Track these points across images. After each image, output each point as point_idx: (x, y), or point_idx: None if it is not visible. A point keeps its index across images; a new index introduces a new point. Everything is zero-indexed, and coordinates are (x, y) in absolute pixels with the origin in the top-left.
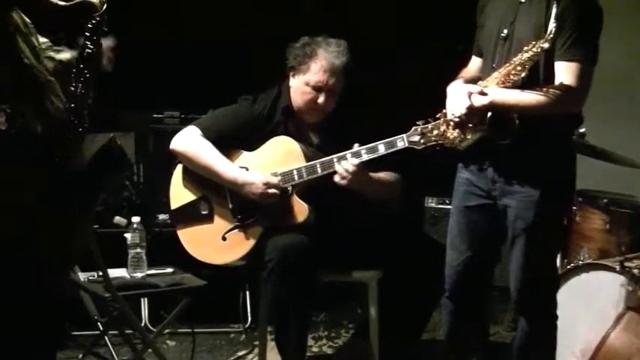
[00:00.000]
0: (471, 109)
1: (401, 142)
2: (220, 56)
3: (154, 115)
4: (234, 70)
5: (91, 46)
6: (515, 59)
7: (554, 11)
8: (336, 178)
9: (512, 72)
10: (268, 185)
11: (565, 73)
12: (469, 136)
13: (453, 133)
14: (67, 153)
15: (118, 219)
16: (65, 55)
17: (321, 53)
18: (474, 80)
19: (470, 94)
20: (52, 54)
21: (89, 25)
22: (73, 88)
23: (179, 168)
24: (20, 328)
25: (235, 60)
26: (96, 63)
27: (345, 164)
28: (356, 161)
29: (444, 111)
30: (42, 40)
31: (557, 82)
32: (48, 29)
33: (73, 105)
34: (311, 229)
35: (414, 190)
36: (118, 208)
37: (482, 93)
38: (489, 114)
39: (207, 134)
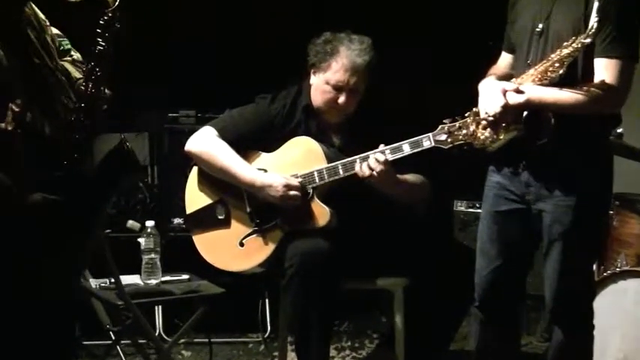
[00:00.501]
0: (506, 107)
1: (427, 141)
2: (238, 54)
3: (170, 115)
4: (253, 68)
5: (103, 43)
6: (552, 55)
7: (595, 4)
8: (359, 171)
9: (550, 69)
10: (288, 187)
11: (605, 70)
12: (502, 137)
13: (484, 133)
14: (75, 154)
15: (131, 223)
16: (78, 54)
17: (342, 51)
18: (506, 77)
19: (505, 92)
20: (72, 55)
21: (101, 22)
22: (83, 88)
23: (195, 170)
24: (30, 336)
25: (253, 58)
26: (108, 61)
27: (371, 161)
28: (383, 158)
29: (473, 109)
30: (55, 31)
31: (596, 79)
32: (59, 25)
33: (84, 105)
34: (333, 234)
35: (441, 193)
36: (131, 212)
37: (518, 91)
38: (525, 113)
39: (224, 135)
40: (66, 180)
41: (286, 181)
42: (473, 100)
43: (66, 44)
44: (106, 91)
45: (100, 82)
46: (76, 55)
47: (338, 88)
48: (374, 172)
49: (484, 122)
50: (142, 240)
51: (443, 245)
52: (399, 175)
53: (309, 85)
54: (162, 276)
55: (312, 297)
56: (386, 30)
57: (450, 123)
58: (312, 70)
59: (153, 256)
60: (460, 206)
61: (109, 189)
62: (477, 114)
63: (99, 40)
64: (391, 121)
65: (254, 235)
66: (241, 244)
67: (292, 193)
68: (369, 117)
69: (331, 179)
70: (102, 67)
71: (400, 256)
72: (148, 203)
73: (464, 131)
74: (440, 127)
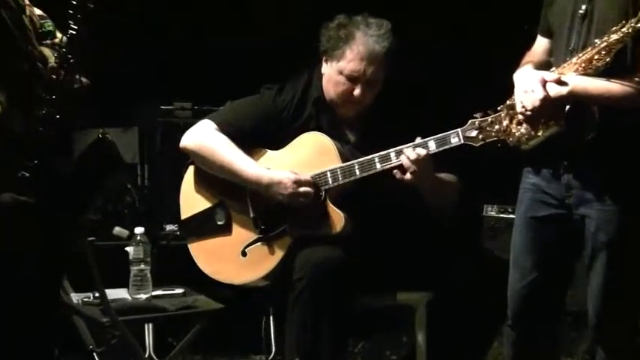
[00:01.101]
0: (546, 100)
1: (455, 137)
2: (240, 40)
3: (162, 107)
4: (257, 55)
5: (76, 26)
6: (598, 41)
7: None
8: (399, 174)
9: (596, 57)
10: (299, 183)
11: None
12: (540, 133)
13: (519, 129)
14: (48, 151)
15: (118, 230)
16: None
17: (358, 37)
18: (544, 65)
19: (544, 83)
20: (55, 37)
21: (73, 1)
22: (54, 76)
23: (191, 170)
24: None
25: (258, 44)
26: (82, 45)
27: (410, 153)
28: (424, 152)
29: (507, 102)
30: (37, 12)
31: None
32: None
33: (56, 96)
34: (348, 242)
35: (470, 196)
36: (118, 217)
37: (560, 81)
38: (567, 107)
39: (224, 129)
40: (38, 180)
41: (296, 177)
42: (506, 93)
43: (48, 25)
44: (83, 79)
45: (74, 70)
46: (62, 38)
47: (353, 79)
48: (413, 168)
49: (520, 117)
50: (130, 249)
51: (471, 255)
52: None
53: (321, 75)
54: (154, 290)
55: (324, 314)
56: (409, 15)
57: (482, 117)
58: (324, 58)
59: (143, 267)
60: (490, 211)
61: (88, 190)
62: (512, 107)
63: (70, 22)
64: (414, 117)
65: (258, 244)
66: (244, 254)
67: (303, 189)
68: (389, 111)
69: (346, 180)
70: (75, 53)
71: (423, 267)
72: (137, 207)
73: (496, 127)
74: (470, 122)
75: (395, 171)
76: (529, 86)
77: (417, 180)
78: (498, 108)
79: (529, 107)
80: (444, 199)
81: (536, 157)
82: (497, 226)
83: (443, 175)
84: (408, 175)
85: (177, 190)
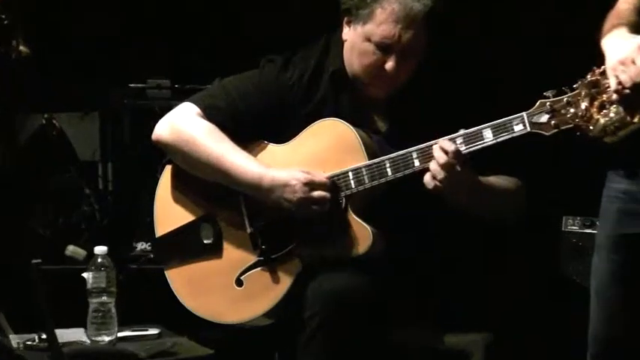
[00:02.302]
0: None
1: (519, 124)
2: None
3: (132, 85)
4: (255, 18)
5: None
6: None
7: None
8: (426, 178)
9: None
10: (312, 186)
11: None
12: (637, 120)
13: (607, 114)
14: None
15: (72, 249)
16: None
17: None
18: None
19: None
20: None
21: None
22: None
23: (169, 170)
24: None
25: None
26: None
27: (438, 153)
28: (452, 147)
29: (588, 77)
30: None
31: None
32: None
33: None
34: (376, 266)
35: (543, 206)
36: (72, 233)
37: None
38: None
39: (212, 115)
40: None
41: (308, 177)
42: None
43: None
44: (22, 47)
45: (8, 36)
46: None
47: (385, 48)
48: (442, 175)
49: (605, 98)
50: (88, 275)
51: (543, 284)
52: (480, 178)
53: (341, 43)
54: (120, 330)
55: None
56: None
57: (554, 97)
58: (346, 20)
59: (105, 299)
60: (572, 225)
61: (29, 194)
62: (594, 85)
63: None
64: (466, 99)
65: (258, 269)
66: (239, 283)
67: (317, 194)
68: (432, 91)
69: (374, 183)
70: (8, 14)
71: (480, 300)
72: (97, 220)
73: (572, 110)
74: (539, 102)
75: (425, 177)
76: (628, 55)
77: (445, 188)
78: (574, 86)
79: (628, 83)
80: (497, 211)
81: (627, 154)
82: (581, 243)
83: (495, 179)
84: (432, 182)
85: (151, 198)
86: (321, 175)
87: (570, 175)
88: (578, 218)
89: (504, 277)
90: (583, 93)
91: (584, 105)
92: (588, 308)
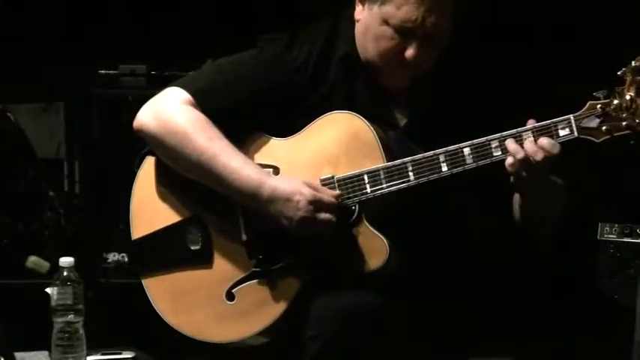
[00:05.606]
0: None
1: (566, 128)
2: None
3: (102, 72)
4: None
5: None
6: None
7: None
8: (509, 161)
9: None
10: (318, 205)
11: None
12: None
13: None
14: None
15: (33, 260)
16: None
17: None
18: None
19: None
20: None
21: None
22: None
23: (149, 163)
24: None
25: None
26: None
27: (544, 141)
28: (551, 143)
29: (631, 63)
30: None
31: None
32: None
33: None
34: (390, 283)
35: (579, 212)
36: (33, 242)
37: None
38: None
39: (203, 103)
40: None
41: (315, 195)
42: None
43: None
44: None
45: None
46: None
47: (405, 32)
48: (536, 162)
49: None
50: (52, 290)
51: (579, 301)
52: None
53: (353, 24)
54: (89, 353)
55: None
56: None
57: (605, 98)
58: None
59: (72, 318)
60: (610, 233)
61: None
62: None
63: None
64: (498, 93)
65: (253, 282)
66: (230, 296)
67: (323, 217)
68: (458, 83)
69: (392, 188)
70: None
71: (506, 321)
72: (62, 226)
73: (616, 101)
74: (588, 104)
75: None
76: None
77: (531, 178)
78: (619, 73)
79: None
80: (550, 209)
81: None
82: (620, 255)
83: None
84: (515, 170)
85: (125, 200)
86: (330, 194)
87: (607, 175)
88: (617, 225)
89: (539, 292)
90: (628, 80)
91: (628, 95)
92: (631, 329)
